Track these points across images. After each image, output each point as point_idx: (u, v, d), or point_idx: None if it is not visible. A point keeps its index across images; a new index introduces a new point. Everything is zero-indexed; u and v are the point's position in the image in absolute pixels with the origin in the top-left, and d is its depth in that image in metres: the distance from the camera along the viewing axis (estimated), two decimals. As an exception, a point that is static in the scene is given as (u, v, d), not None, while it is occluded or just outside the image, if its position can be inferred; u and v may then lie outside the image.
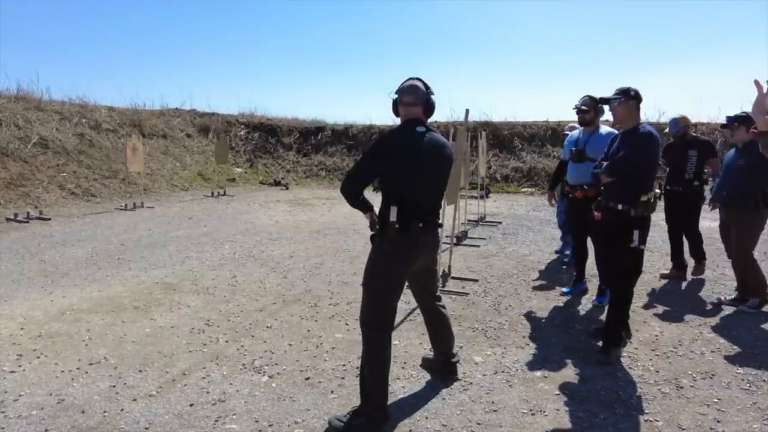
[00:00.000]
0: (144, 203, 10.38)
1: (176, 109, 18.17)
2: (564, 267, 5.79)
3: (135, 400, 2.79)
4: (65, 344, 3.52)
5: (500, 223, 8.93)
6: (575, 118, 4.61)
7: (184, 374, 3.10)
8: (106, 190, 11.38)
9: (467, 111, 5.39)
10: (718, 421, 2.63)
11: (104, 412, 2.67)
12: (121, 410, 2.69)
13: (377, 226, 2.55)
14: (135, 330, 3.80)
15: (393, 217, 2.48)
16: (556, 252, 6.52)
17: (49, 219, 8.47)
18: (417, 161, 2.51)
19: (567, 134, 5.23)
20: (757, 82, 1.63)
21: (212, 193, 12.48)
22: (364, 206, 2.63)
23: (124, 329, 3.81)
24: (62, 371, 3.11)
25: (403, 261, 2.59)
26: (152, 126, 15.38)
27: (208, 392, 2.89)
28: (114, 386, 2.94)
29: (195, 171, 14.61)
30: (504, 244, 7.09)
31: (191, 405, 2.75)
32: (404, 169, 2.49)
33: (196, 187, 13.63)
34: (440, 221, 2.73)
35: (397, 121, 2.72)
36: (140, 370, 3.14)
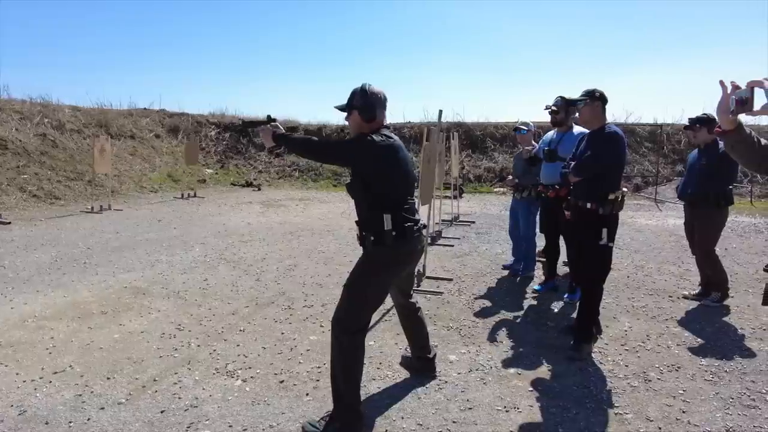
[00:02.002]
0: (111, 205, 10.09)
1: (145, 109, 17.74)
2: (517, 278, 5.32)
3: (103, 408, 2.71)
4: (27, 353, 3.39)
5: (473, 222, 9.03)
6: (547, 118, 4.67)
7: (154, 380, 3.02)
8: (71, 193, 11.02)
9: (440, 112, 5.44)
10: (684, 412, 2.71)
11: (69, 422, 2.58)
12: (88, 420, 2.60)
13: (371, 238, 2.48)
14: (102, 336, 3.68)
15: (388, 225, 2.45)
16: (504, 267, 5.66)
17: (9, 223, 8.14)
18: (400, 162, 2.52)
19: (522, 128, 5.30)
20: (722, 83, 1.68)
21: (182, 195, 12.22)
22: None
23: (91, 336, 3.69)
24: (24, 381, 2.99)
25: (398, 268, 2.59)
26: (120, 126, 14.98)
27: (179, 398, 2.82)
28: (80, 395, 2.84)
29: (164, 172, 14.29)
30: (477, 244, 7.17)
31: (162, 412, 2.68)
32: (393, 174, 2.49)
33: (166, 188, 13.33)
34: (423, 222, 2.73)
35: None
36: (108, 378, 3.05)
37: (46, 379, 3.02)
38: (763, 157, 1.72)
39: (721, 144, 4.05)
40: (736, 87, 1.63)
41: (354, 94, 2.56)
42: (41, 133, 12.38)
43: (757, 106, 1.58)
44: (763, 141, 1.73)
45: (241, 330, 3.84)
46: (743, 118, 1.69)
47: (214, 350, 3.46)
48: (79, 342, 3.57)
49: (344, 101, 2.61)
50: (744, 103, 1.60)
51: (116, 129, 14.69)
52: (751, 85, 1.58)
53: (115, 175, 12.20)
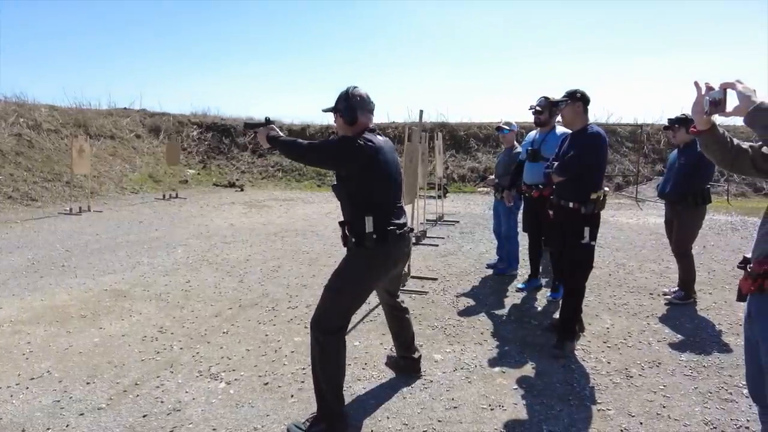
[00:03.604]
0: (91, 207, 9.91)
1: (125, 108, 17.49)
2: (497, 276, 5.36)
3: (82, 414, 2.65)
4: (2, 358, 3.30)
5: (458, 222, 9.07)
6: (530, 119, 4.71)
7: (136, 384, 2.97)
8: (48, 194, 10.79)
9: (421, 112, 5.47)
10: (664, 407, 2.76)
11: (47, 429, 2.51)
12: (67, 426, 2.54)
13: (353, 240, 2.48)
14: (82, 340, 3.61)
15: (369, 227, 2.44)
16: (488, 266, 5.72)
17: (-15, 225, 7.94)
18: (385, 164, 2.52)
19: (505, 128, 5.34)
20: (696, 84, 1.72)
21: (164, 196, 12.06)
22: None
23: (70, 340, 3.61)
24: None
25: (379, 272, 2.58)
26: (99, 126, 14.72)
27: (162, 402, 2.78)
28: (58, 401, 2.78)
29: (145, 173, 14.08)
30: (462, 243, 7.20)
31: (144, 416, 2.63)
32: (375, 171, 2.48)
33: (147, 189, 13.14)
34: (410, 225, 2.73)
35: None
36: (88, 383, 2.98)
37: (22, 385, 2.95)
38: (735, 156, 1.77)
39: None
40: (710, 88, 1.67)
41: (339, 97, 2.57)
42: (16, 133, 12.10)
43: (729, 107, 1.63)
44: (735, 141, 1.78)
45: (224, 332, 3.79)
46: (717, 118, 1.73)
47: (197, 353, 3.42)
48: (57, 347, 3.49)
49: (331, 102, 2.63)
50: (717, 104, 1.64)
51: (95, 129, 14.44)
52: (724, 87, 1.63)
53: (94, 175, 11.98)
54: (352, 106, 2.52)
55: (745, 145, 1.78)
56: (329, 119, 2.68)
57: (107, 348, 3.49)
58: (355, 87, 2.57)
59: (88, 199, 10.38)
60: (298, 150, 2.56)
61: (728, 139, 1.77)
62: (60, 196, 10.83)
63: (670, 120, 4.48)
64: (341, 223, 2.59)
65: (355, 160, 2.43)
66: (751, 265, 1.65)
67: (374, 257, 2.52)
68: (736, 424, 2.59)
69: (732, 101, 1.62)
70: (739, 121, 1.63)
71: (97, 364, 3.24)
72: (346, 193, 2.51)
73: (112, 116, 16.04)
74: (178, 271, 5.53)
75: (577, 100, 3.42)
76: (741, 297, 1.71)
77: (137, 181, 13.38)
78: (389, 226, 2.51)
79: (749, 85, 1.60)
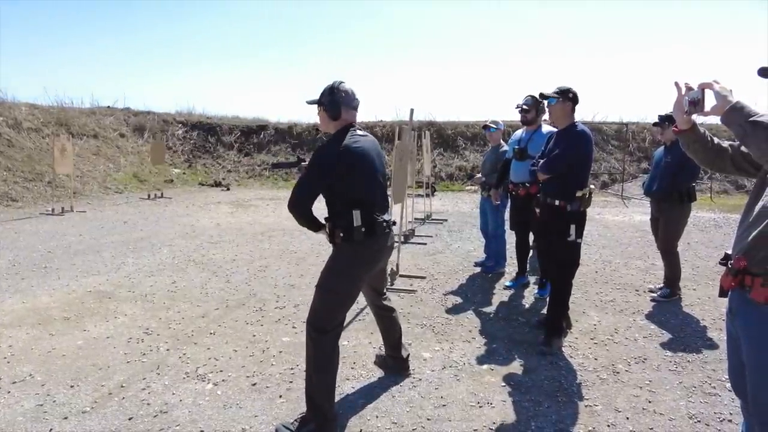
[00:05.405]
0: (74, 207, 9.75)
1: (108, 107, 17.23)
2: (489, 275, 5.36)
3: (66, 418, 2.60)
4: (-16, 362, 3.23)
5: (446, 220, 9.10)
6: (517, 117, 4.72)
7: (121, 387, 2.93)
8: (30, 194, 10.60)
9: (412, 111, 5.43)
10: (650, 402, 2.79)
11: (31, 433, 2.47)
12: (50, 430, 2.50)
13: (341, 234, 2.47)
14: (65, 343, 3.55)
15: (357, 221, 2.44)
16: (476, 264, 5.77)
17: (-36, 226, 7.78)
18: (368, 163, 2.51)
19: (492, 126, 5.35)
20: (676, 84, 1.75)
21: (148, 196, 11.91)
22: (316, 224, 2.57)
23: (53, 343, 3.55)
24: (-19, 392, 2.86)
25: (368, 265, 2.58)
26: (81, 125, 14.48)
27: (148, 404, 2.74)
28: (41, 405, 2.73)
29: (130, 172, 13.90)
30: (450, 241, 7.22)
31: (130, 419, 2.60)
32: (359, 173, 2.46)
33: (131, 189, 12.97)
34: (393, 220, 2.72)
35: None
36: (72, 386, 2.93)
37: (4, 389, 2.89)
38: (716, 155, 1.81)
39: None
40: (689, 88, 1.70)
41: (324, 90, 2.55)
42: (-4, 132, 11.86)
43: (707, 107, 1.65)
44: (716, 140, 1.81)
45: (211, 333, 3.76)
46: (699, 118, 1.76)
47: (184, 354, 3.38)
48: (40, 350, 3.43)
49: (317, 96, 2.60)
50: (696, 103, 1.68)
51: (78, 128, 14.21)
52: (702, 87, 1.66)
53: (77, 175, 11.79)
54: (336, 101, 2.50)
55: (725, 143, 1.81)
56: (316, 118, 2.66)
57: (91, 350, 3.43)
58: (341, 82, 2.55)
59: (71, 199, 10.21)
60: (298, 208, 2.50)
61: (709, 139, 1.80)
62: (41, 197, 10.64)
63: (660, 116, 4.50)
64: (327, 219, 2.57)
65: (335, 171, 2.40)
66: (732, 262, 1.67)
67: (363, 250, 2.51)
68: (719, 417, 2.63)
69: (710, 101, 1.65)
70: (719, 120, 1.65)
71: (81, 366, 3.19)
72: (331, 192, 2.49)
73: (95, 115, 15.80)
74: (163, 271, 5.46)
75: (569, 99, 3.43)
76: (723, 293, 1.74)
77: (121, 181, 13.21)
78: (376, 219, 2.51)
79: (726, 85, 1.63)
